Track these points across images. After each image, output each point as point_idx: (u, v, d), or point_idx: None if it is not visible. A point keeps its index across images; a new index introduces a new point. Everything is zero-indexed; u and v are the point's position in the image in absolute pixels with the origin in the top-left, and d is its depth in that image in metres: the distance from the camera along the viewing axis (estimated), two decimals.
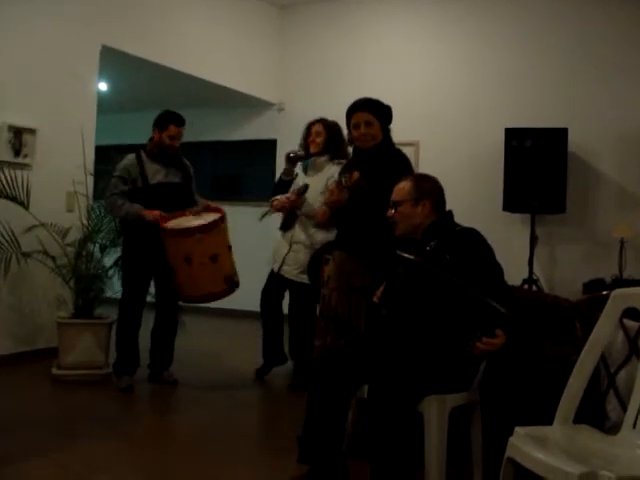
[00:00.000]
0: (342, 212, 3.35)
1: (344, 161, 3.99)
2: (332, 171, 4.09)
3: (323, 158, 4.33)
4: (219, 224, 4.06)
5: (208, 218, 4.07)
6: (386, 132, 3.36)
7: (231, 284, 4.10)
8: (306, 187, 4.20)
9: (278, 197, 4.35)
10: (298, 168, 4.46)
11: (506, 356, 2.63)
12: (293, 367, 4.47)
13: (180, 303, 4.43)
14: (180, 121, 4.27)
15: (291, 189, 4.36)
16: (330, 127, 4.36)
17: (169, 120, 4.24)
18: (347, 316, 3.26)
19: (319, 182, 4.19)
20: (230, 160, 7.98)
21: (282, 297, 4.50)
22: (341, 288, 3.31)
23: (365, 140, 3.32)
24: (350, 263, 3.31)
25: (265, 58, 7.36)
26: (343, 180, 3.30)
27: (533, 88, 6.22)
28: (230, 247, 4.18)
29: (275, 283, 4.45)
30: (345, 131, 3.55)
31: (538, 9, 6.28)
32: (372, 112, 3.32)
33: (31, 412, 3.70)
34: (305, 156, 4.40)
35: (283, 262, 4.33)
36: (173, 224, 4.04)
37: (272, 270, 4.47)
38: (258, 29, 7.26)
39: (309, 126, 4.46)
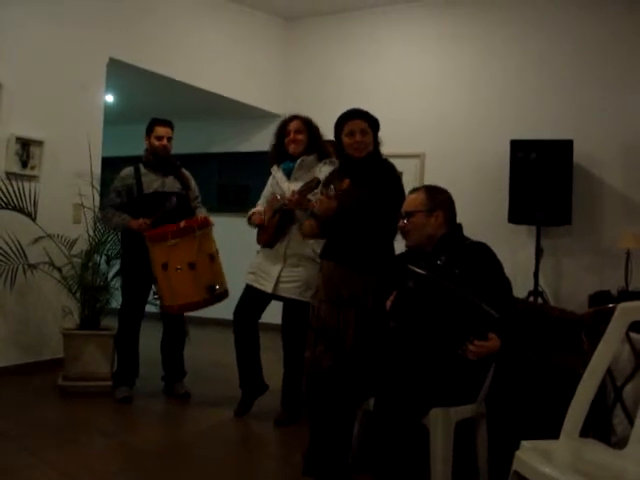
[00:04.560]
0: (331, 221, 3.33)
1: (335, 160, 3.87)
2: (325, 171, 3.73)
3: (311, 157, 3.85)
4: (194, 230, 3.96)
5: (186, 224, 4.03)
6: (376, 143, 3.38)
7: (213, 292, 3.96)
8: (318, 182, 3.57)
9: (259, 209, 3.95)
10: (278, 172, 3.94)
11: (502, 361, 2.63)
12: (282, 398, 3.93)
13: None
14: (164, 122, 4.33)
15: (263, 196, 4.01)
16: (310, 123, 3.90)
17: (153, 123, 4.33)
18: (335, 327, 3.23)
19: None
20: (236, 171, 8.00)
21: (259, 317, 3.94)
22: (330, 299, 3.29)
23: (360, 148, 3.32)
24: (339, 273, 3.30)
25: (271, 70, 7.40)
26: (332, 188, 3.27)
27: (538, 100, 6.22)
28: (213, 256, 4.06)
29: (254, 302, 3.90)
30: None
31: (542, 22, 6.29)
32: (367, 121, 3.35)
33: (36, 422, 3.69)
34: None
35: (278, 280, 3.78)
36: (155, 231, 4.04)
37: (250, 287, 3.91)
38: (264, 41, 7.31)
39: (285, 124, 3.92)
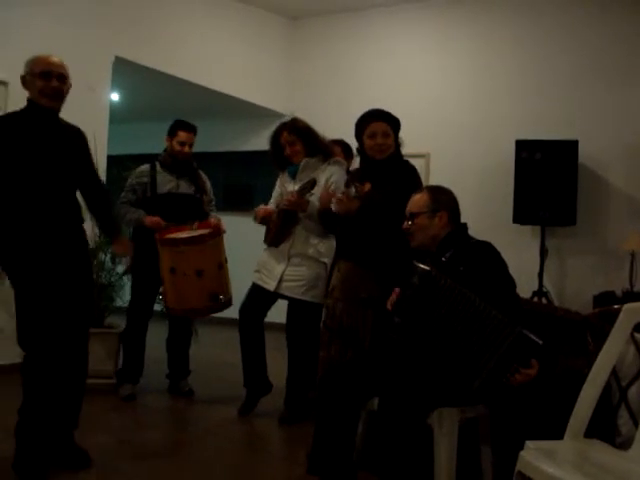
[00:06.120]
0: (350, 222, 3.34)
1: (341, 160, 3.94)
2: (330, 170, 3.80)
3: (314, 159, 3.85)
4: (206, 240, 3.96)
5: (197, 232, 4.04)
6: (397, 144, 3.37)
7: (216, 301, 3.97)
8: (314, 182, 3.61)
9: (265, 206, 3.96)
10: (284, 175, 3.98)
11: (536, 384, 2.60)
12: (285, 397, 3.93)
13: None
14: (189, 127, 4.33)
15: (272, 199, 4.02)
16: (299, 130, 3.87)
17: (178, 126, 4.32)
18: (354, 327, 3.24)
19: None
20: (242, 170, 8.01)
21: (265, 315, 3.95)
22: (347, 299, 3.29)
23: (382, 150, 3.31)
24: (356, 273, 3.29)
25: (275, 69, 7.41)
26: (353, 189, 3.28)
27: (543, 100, 6.22)
28: (221, 265, 4.06)
29: (260, 300, 3.91)
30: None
31: (547, 23, 6.30)
32: (389, 123, 3.34)
33: None
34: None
35: (281, 279, 3.79)
36: (168, 234, 4.05)
37: (256, 286, 3.93)
38: (269, 40, 7.32)
39: (276, 136, 3.94)
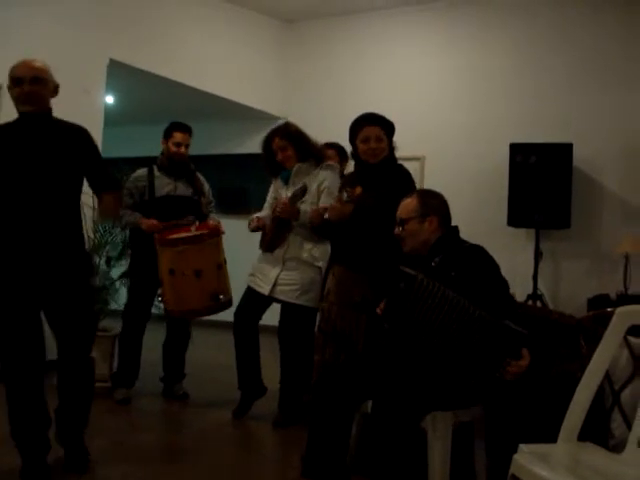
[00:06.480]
0: (344, 226, 3.34)
1: (334, 164, 3.95)
2: (323, 175, 3.80)
3: (306, 164, 3.84)
4: (205, 239, 3.96)
5: (196, 232, 4.04)
6: (391, 148, 3.38)
7: (217, 301, 3.96)
8: (305, 189, 3.61)
9: (260, 215, 3.97)
10: (277, 181, 4.01)
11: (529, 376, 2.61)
12: (279, 400, 3.92)
13: None
14: (184, 128, 4.33)
15: (267, 204, 4.05)
16: (290, 135, 3.86)
17: (173, 128, 4.33)
18: (347, 330, 3.24)
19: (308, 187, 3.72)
20: (235, 173, 8.00)
21: (259, 319, 3.94)
22: (341, 302, 3.30)
23: (375, 155, 3.32)
24: (351, 278, 3.30)
25: (270, 71, 7.41)
26: (345, 194, 3.29)
27: (538, 103, 6.23)
28: (221, 265, 4.04)
29: (254, 304, 3.90)
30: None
31: (543, 26, 6.31)
32: (382, 127, 3.34)
33: None
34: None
35: (275, 283, 3.79)
36: (168, 234, 4.04)
37: (251, 289, 3.92)
38: (264, 43, 7.32)
39: (268, 142, 3.93)
